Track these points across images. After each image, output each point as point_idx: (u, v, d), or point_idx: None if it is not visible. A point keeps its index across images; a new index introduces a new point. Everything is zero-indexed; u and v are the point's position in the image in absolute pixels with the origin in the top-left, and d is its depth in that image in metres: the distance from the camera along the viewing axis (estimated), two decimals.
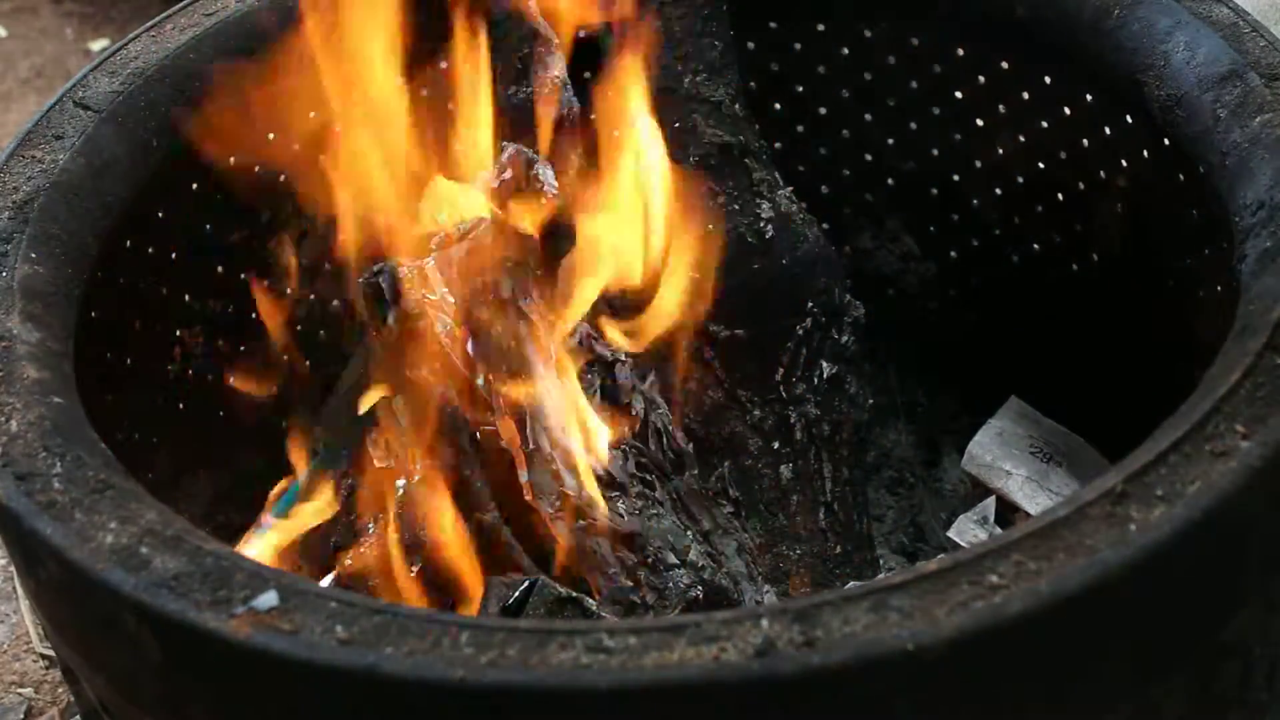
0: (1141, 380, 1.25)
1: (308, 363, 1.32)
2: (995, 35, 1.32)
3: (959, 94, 1.39)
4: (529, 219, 1.19)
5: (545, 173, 1.20)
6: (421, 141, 1.21)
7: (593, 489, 1.11)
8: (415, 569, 1.13)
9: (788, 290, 1.24)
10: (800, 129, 1.46)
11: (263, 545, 1.16)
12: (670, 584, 1.09)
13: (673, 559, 1.10)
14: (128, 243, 1.16)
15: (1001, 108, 1.36)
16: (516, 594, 1.06)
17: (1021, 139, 1.36)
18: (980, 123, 1.39)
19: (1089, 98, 1.27)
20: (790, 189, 1.29)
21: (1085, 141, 1.30)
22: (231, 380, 1.27)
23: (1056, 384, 1.41)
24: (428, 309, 1.13)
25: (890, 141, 1.45)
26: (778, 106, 1.45)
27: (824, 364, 1.26)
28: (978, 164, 1.41)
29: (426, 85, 1.28)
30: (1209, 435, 0.84)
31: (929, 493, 1.46)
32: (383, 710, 0.78)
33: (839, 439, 1.27)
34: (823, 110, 1.45)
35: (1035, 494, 1.34)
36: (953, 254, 1.48)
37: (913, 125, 1.43)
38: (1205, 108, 1.09)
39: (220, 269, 1.28)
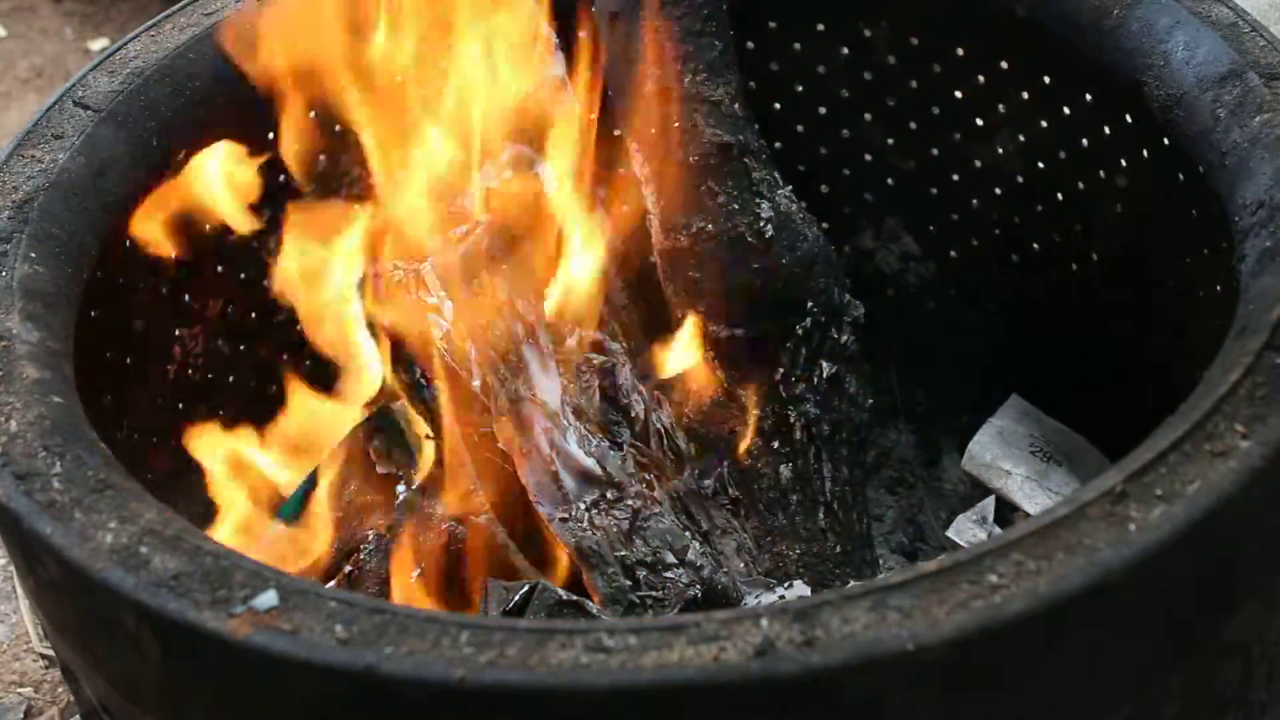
0: (1141, 380, 1.25)
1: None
2: (995, 35, 1.32)
3: (959, 94, 1.39)
4: (528, 219, 1.19)
5: (545, 172, 1.20)
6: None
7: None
8: (416, 574, 1.13)
9: (787, 290, 1.24)
10: (800, 129, 1.46)
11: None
12: (669, 584, 1.09)
13: (671, 559, 1.10)
14: (127, 243, 1.16)
15: (1001, 108, 1.36)
16: (517, 597, 1.06)
17: (1021, 139, 1.36)
18: (980, 123, 1.39)
19: (1089, 98, 1.27)
20: (790, 189, 1.29)
21: (1085, 141, 1.29)
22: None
23: (1057, 384, 1.41)
24: (426, 312, 1.14)
25: (890, 141, 1.44)
26: (778, 106, 1.45)
27: (824, 364, 1.26)
28: (978, 164, 1.41)
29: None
30: (1209, 435, 0.85)
31: (929, 493, 1.46)
32: (382, 710, 0.78)
33: (839, 439, 1.27)
34: (823, 110, 1.45)
35: (1035, 493, 1.34)
36: (953, 254, 1.48)
37: (913, 125, 1.43)
38: (1205, 108, 1.09)
39: (220, 269, 1.28)
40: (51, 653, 1.44)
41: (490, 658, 0.76)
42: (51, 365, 0.97)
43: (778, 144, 1.40)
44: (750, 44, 1.40)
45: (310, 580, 0.92)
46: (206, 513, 1.28)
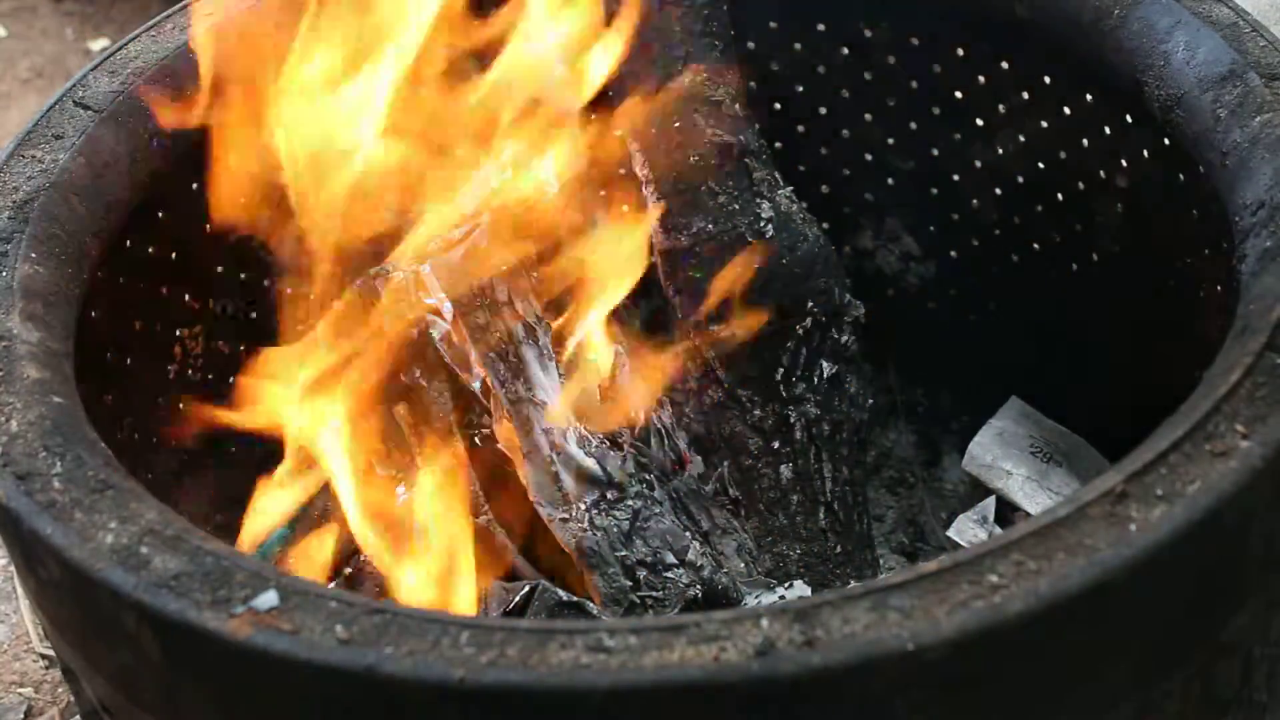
0: (1141, 380, 1.25)
1: None
2: (995, 35, 1.32)
3: (959, 94, 1.39)
4: (528, 220, 1.19)
5: (545, 172, 1.20)
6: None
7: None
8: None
9: (788, 290, 1.24)
10: (800, 129, 1.46)
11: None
12: (669, 584, 1.09)
13: (672, 559, 1.10)
14: (128, 243, 1.16)
15: (1001, 108, 1.36)
16: (517, 598, 1.06)
17: (1021, 139, 1.36)
18: (980, 123, 1.39)
19: (1089, 98, 1.27)
20: (790, 189, 1.29)
21: (1085, 141, 1.29)
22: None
23: (1056, 384, 1.41)
24: (425, 313, 1.14)
25: (890, 141, 1.44)
26: (778, 106, 1.45)
27: (824, 364, 1.26)
28: (978, 164, 1.41)
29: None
30: (1209, 435, 0.84)
31: (929, 493, 1.46)
32: (383, 710, 0.78)
33: (839, 439, 1.27)
34: (823, 110, 1.45)
35: (1035, 494, 1.34)
36: (953, 254, 1.48)
37: (913, 125, 1.43)
38: (1205, 108, 1.09)
39: (220, 269, 1.28)
40: (51, 653, 1.44)
41: (490, 658, 0.76)
42: (51, 365, 0.97)
43: (778, 144, 1.40)
44: (750, 44, 1.40)
45: (310, 580, 0.92)
46: (208, 512, 1.28)
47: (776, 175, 1.29)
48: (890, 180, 1.46)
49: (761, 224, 1.24)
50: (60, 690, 1.43)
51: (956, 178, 1.43)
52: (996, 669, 0.78)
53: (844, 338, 1.28)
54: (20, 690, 1.44)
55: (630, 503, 1.12)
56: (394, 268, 1.16)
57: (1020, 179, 1.38)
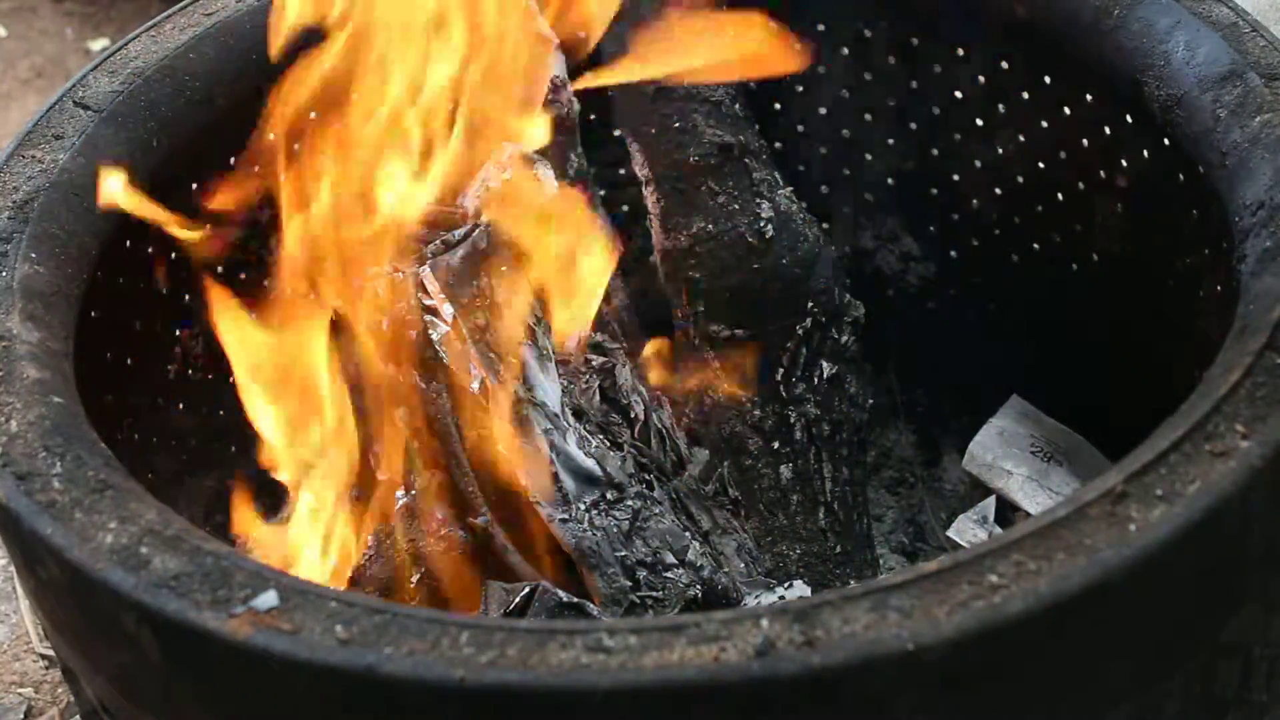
0: (1141, 380, 1.25)
1: None
2: (995, 35, 1.32)
3: (959, 94, 1.39)
4: (527, 220, 1.18)
5: (545, 173, 1.20)
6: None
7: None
8: (416, 578, 1.13)
9: (788, 290, 1.24)
10: (800, 129, 1.46)
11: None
12: (669, 584, 1.09)
13: (671, 559, 1.10)
14: (128, 243, 1.16)
15: (1001, 108, 1.36)
16: (517, 600, 1.06)
17: (1021, 139, 1.36)
18: (980, 123, 1.39)
19: (1089, 98, 1.27)
20: (790, 189, 1.29)
21: (1085, 141, 1.29)
22: None
23: (1056, 384, 1.41)
24: (424, 315, 1.13)
25: (890, 141, 1.45)
26: (778, 106, 1.45)
27: (824, 364, 1.26)
28: (978, 164, 1.41)
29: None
30: (1209, 435, 0.85)
31: (929, 493, 1.46)
32: (383, 710, 0.78)
33: (839, 439, 1.27)
34: (823, 110, 1.45)
35: (1035, 493, 1.34)
36: (953, 254, 1.48)
37: (912, 125, 1.43)
38: (1205, 108, 1.09)
39: (220, 268, 1.28)
40: (51, 653, 1.44)
41: (490, 658, 0.76)
42: (51, 365, 0.97)
43: (778, 144, 1.40)
44: None
45: (311, 580, 0.92)
46: (208, 512, 1.28)
47: (776, 175, 1.29)
48: (890, 180, 1.46)
49: (761, 224, 1.24)
50: (60, 690, 1.43)
51: (956, 178, 1.43)
52: (996, 669, 0.78)
53: (844, 338, 1.28)
54: (20, 690, 1.44)
55: (630, 503, 1.11)
56: (394, 268, 1.16)
57: (1020, 179, 1.38)
